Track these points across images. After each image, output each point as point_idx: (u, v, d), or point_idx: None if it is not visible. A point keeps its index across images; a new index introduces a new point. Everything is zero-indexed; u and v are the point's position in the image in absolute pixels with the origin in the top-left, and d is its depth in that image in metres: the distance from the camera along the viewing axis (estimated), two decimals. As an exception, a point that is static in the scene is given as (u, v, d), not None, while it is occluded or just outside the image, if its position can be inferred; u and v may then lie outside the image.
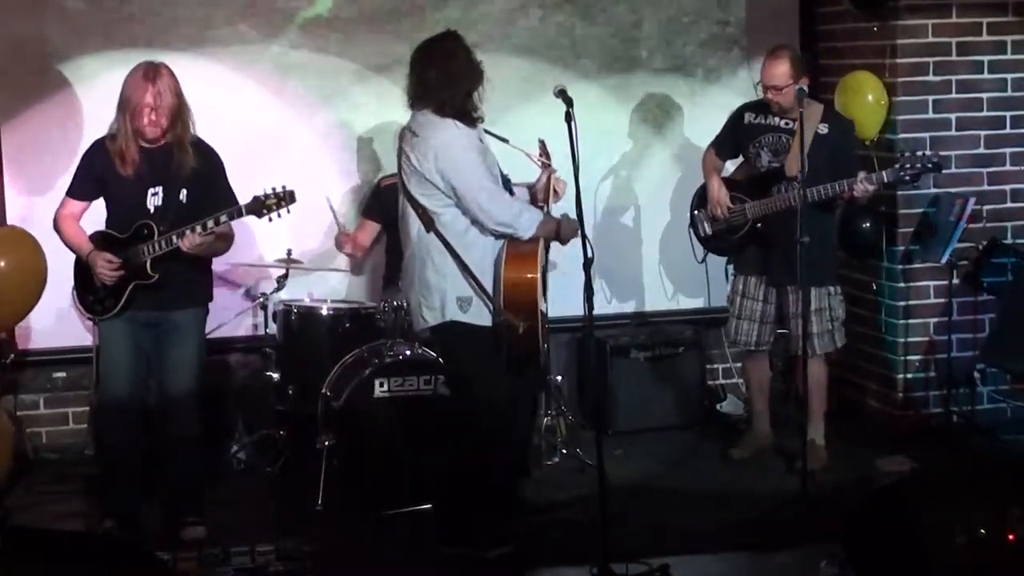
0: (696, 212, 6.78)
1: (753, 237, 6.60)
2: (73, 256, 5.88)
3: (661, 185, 7.58)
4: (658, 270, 7.64)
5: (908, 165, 6.28)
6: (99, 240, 5.79)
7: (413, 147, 5.51)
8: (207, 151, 5.82)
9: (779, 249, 6.46)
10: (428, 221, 5.50)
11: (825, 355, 6.63)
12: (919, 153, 6.39)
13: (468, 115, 5.53)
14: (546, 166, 5.72)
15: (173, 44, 7.01)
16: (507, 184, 5.69)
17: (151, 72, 5.66)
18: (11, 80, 6.95)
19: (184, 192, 5.71)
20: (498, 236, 5.55)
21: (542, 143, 5.74)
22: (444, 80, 5.49)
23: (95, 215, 5.88)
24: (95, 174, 5.77)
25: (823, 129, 6.40)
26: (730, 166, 6.86)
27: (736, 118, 6.72)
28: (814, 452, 6.43)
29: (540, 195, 5.75)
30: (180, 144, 5.69)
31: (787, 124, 6.49)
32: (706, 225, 6.73)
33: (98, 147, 5.78)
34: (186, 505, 5.89)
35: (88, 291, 5.82)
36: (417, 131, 5.53)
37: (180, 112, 5.68)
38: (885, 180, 6.32)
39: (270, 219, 5.73)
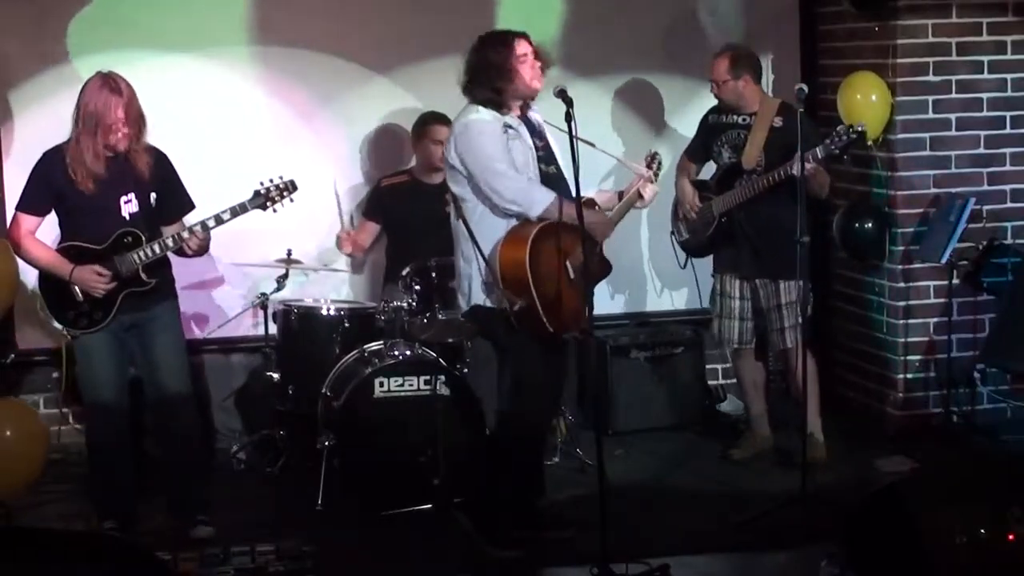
0: (674, 218, 6.93)
1: (723, 233, 6.67)
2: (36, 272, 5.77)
3: (660, 184, 7.56)
4: (657, 269, 7.65)
5: (837, 139, 6.29)
6: (74, 254, 5.64)
7: (449, 136, 5.72)
8: (158, 152, 5.76)
9: (746, 243, 6.63)
10: (458, 208, 5.61)
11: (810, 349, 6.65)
12: (844, 127, 6.37)
13: (497, 103, 5.61)
14: (641, 173, 5.80)
15: (173, 44, 7.01)
16: (547, 181, 5.64)
17: (115, 85, 5.56)
18: (11, 80, 6.95)
19: (153, 195, 5.68)
20: (514, 215, 5.59)
21: (653, 155, 5.87)
22: (477, 69, 5.63)
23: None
24: (52, 187, 5.62)
25: (778, 122, 6.51)
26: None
27: (702, 122, 6.89)
28: (814, 445, 6.46)
29: (625, 194, 5.81)
30: (138, 150, 5.62)
31: (744, 120, 6.65)
32: (682, 228, 6.89)
33: (53, 159, 5.63)
34: (193, 504, 5.88)
35: (68, 307, 5.68)
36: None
37: (142, 120, 5.62)
38: (819, 156, 6.31)
39: (275, 210, 5.74)
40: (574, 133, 5.41)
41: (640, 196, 5.83)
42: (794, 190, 6.16)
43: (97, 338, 5.70)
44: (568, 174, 5.49)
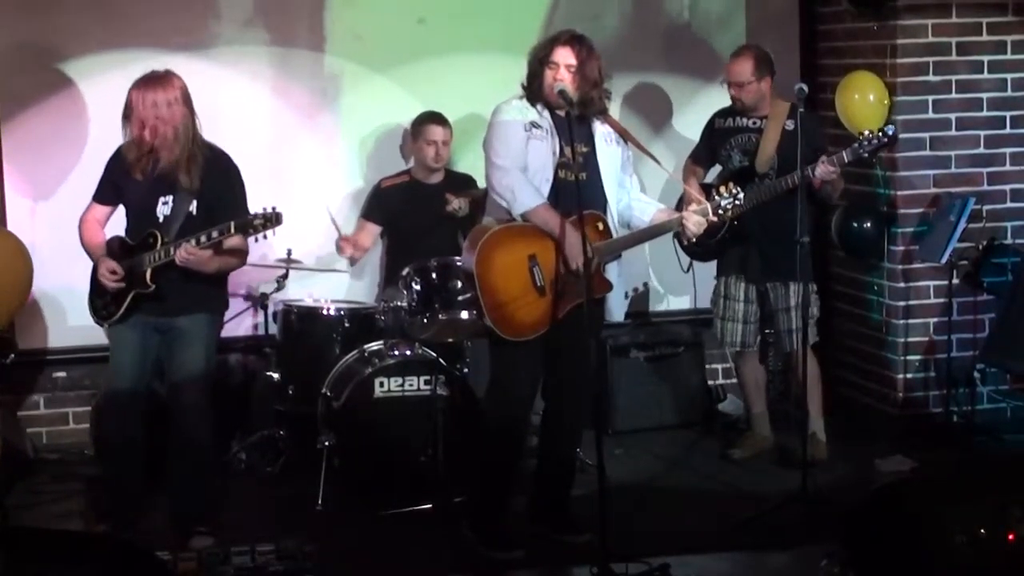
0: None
1: (732, 237, 6.64)
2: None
3: (660, 184, 7.57)
4: (658, 274, 7.65)
5: (865, 143, 6.30)
6: (115, 245, 5.75)
7: None
8: (222, 163, 5.72)
9: (756, 246, 6.61)
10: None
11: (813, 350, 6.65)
12: (875, 130, 6.38)
13: (529, 98, 5.64)
14: (699, 202, 5.76)
15: (173, 44, 7.00)
16: (560, 189, 5.58)
17: (152, 82, 5.58)
18: (11, 80, 6.95)
19: (195, 204, 5.63)
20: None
21: (727, 185, 5.80)
22: (528, 62, 5.71)
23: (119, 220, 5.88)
24: (113, 179, 5.74)
25: (790, 125, 6.48)
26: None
27: (708, 126, 6.85)
28: (815, 445, 6.46)
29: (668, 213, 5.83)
30: (187, 156, 5.58)
31: (755, 123, 6.62)
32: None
33: (117, 152, 5.74)
34: (195, 514, 5.85)
35: (98, 295, 5.78)
36: None
37: (183, 123, 5.58)
38: (846, 160, 6.32)
39: (256, 239, 5.68)
40: (572, 130, 5.44)
41: (683, 225, 5.73)
42: (806, 193, 6.18)
43: (121, 332, 5.74)
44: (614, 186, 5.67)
